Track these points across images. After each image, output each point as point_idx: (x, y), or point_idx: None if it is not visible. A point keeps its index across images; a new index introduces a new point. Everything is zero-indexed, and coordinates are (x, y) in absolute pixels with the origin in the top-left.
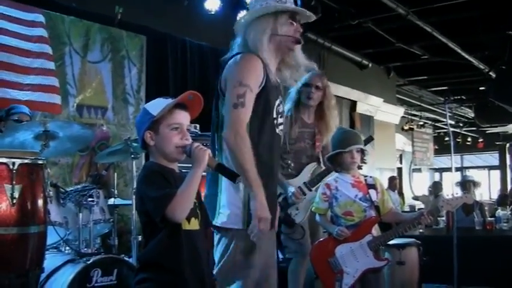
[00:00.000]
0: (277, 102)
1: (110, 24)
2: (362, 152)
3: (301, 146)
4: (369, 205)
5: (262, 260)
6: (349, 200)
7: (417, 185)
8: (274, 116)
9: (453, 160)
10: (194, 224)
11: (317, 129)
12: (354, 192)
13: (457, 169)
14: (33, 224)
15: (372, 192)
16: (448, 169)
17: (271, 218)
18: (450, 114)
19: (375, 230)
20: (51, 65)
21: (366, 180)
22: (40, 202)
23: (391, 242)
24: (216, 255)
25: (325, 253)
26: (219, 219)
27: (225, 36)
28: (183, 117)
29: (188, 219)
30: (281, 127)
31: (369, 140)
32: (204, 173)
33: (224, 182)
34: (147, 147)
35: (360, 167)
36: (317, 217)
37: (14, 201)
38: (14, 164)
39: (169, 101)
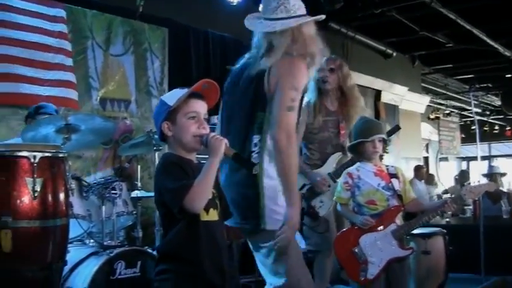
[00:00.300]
0: None
1: (132, 17)
2: (384, 141)
3: (325, 135)
4: (392, 194)
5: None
6: (372, 188)
7: (444, 174)
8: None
9: (479, 149)
10: (213, 215)
11: (341, 116)
12: (377, 180)
13: (485, 158)
14: (55, 217)
15: (395, 181)
16: (475, 158)
17: None
18: (476, 102)
19: (398, 220)
20: (69, 61)
21: (387, 169)
22: (62, 195)
23: (416, 232)
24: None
25: (349, 243)
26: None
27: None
28: (199, 106)
29: (207, 210)
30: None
31: (396, 129)
32: None
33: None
34: (165, 139)
35: (381, 157)
36: (338, 207)
37: (36, 194)
38: (35, 157)
39: (185, 90)
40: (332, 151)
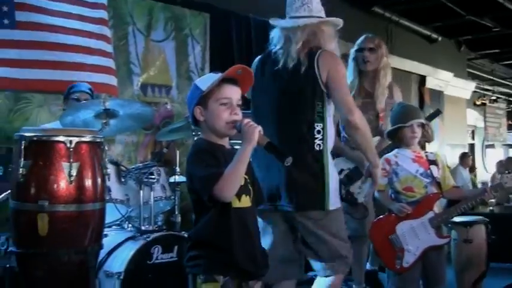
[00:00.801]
0: None
1: (173, 3)
2: (423, 126)
3: (365, 117)
4: (430, 181)
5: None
6: (410, 175)
7: (491, 161)
8: None
9: None
10: (245, 202)
11: (375, 98)
12: (415, 167)
13: None
14: (91, 201)
15: (434, 168)
16: None
17: None
18: None
19: (437, 207)
20: (109, 48)
21: (426, 156)
22: (98, 180)
23: (458, 220)
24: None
25: (386, 230)
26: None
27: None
28: (232, 92)
29: (239, 196)
30: None
31: (437, 113)
32: None
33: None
34: (197, 123)
35: (427, 142)
36: (376, 193)
37: (72, 178)
38: (71, 142)
39: (219, 75)
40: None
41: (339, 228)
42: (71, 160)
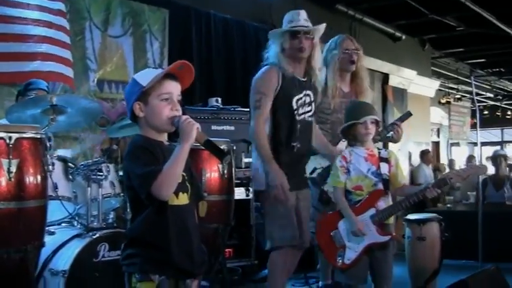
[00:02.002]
0: (300, 95)
1: None
2: (377, 123)
3: (339, 116)
4: (380, 179)
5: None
6: (361, 174)
7: (456, 159)
8: (295, 107)
9: (478, 135)
10: (183, 199)
11: (355, 97)
12: (367, 166)
13: (497, 143)
14: (31, 198)
15: (383, 165)
16: (489, 143)
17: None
18: (488, 87)
19: (385, 204)
20: (68, 39)
21: (379, 153)
22: (38, 176)
23: (411, 218)
24: None
25: (329, 227)
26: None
27: (250, 8)
28: (173, 87)
29: (176, 193)
30: (306, 114)
31: (407, 115)
32: None
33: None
34: (136, 119)
35: (392, 142)
36: (335, 192)
37: (11, 175)
38: (10, 138)
39: (160, 71)
40: None
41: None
42: (11, 157)
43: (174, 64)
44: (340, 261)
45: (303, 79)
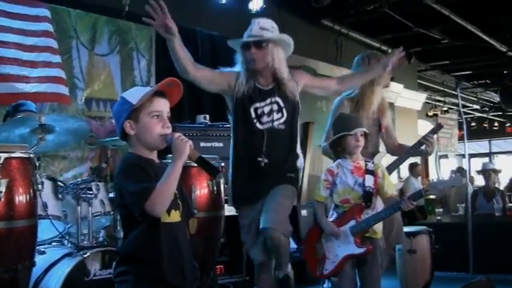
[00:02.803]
0: (261, 104)
1: (118, 17)
2: (365, 136)
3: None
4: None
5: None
6: (348, 187)
7: (444, 172)
8: (253, 115)
9: (466, 146)
10: (174, 216)
11: (380, 114)
12: (354, 179)
13: (485, 154)
14: (21, 217)
15: (368, 177)
16: (477, 155)
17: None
18: (474, 99)
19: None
20: (56, 59)
21: (366, 165)
22: (28, 196)
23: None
24: None
25: (313, 237)
26: None
27: (236, 25)
28: (162, 105)
29: (168, 211)
30: (275, 122)
31: (438, 127)
32: None
33: None
34: (126, 138)
35: (427, 155)
36: (315, 206)
37: (0, 195)
38: None
39: (148, 88)
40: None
41: None
42: (0, 176)
43: (163, 82)
44: (320, 271)
45: (267, 87)
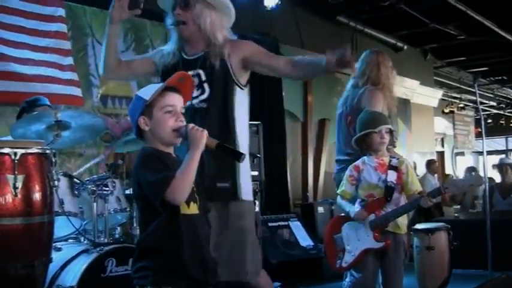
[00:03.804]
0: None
1: None
2: (391, 133)
3: None
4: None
5: None
6: (372, 183)
7: (461, 169)
8: None
9: (484, 143)
10: (193, 208)
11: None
12: (378, 175)
13: (502, 151)
14: (38, 214)
15: (391, 173)
16: (494, 152)
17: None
18: (491, 95)
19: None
20: (68, 60)
21: (390, 161)
22: (45, 192)
23: (420, 227)
24: None
25: (334, 230)
26: None
27: (252, 21)
28: (175, 100)
29: (187, 203)
30: (195, 100)
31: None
32: None
33: None
34: (142, 134)
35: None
36: (338, 200)
37: (17, 191)
38: (16, 154)
39: (161, 84)
40: None
41: None
42: (16, 172)
43: (174, 76)
44: (339, 264)
45: (192, 57)
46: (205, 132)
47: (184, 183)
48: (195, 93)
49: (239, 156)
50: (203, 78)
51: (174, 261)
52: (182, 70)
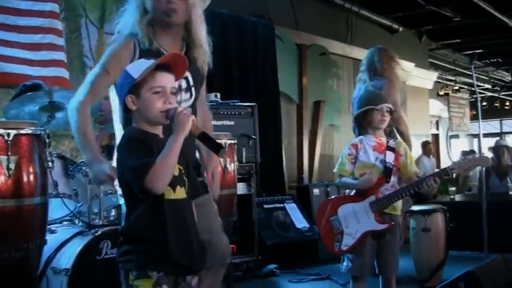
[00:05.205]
0: None
1: None
2: (391, 112)
3: None
4: (383, 167)
5: None
6: (369, 162)
7: (455, 152)
8: None
9: (480, 126)
10: (180, 193)
11: None
12: (375, 155)
13: (497, 134)
14: (31, 195)
15: (389, 154)
16: (488, 135)
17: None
18: (485, 77)
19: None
20: (60, 41)
21: (387, 142)
22: (38, 173)
23: (416, 209)
24: None
25: (328, 212)
26: None
27: (247, 3)
28: (166, 80)
29: (173, 187)
30: (182, 105)
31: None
32: None
33: None
34: (129, 112)
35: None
36: (338, 179)
37: (10, 172)
38: (9, 135)
39: (151, 62)
40: None
41: None
42: (9, 153)
43: (167, 55)
44: (338, 247)
45: None
46: (192, 118)
47: (164, 171)
48: (184, 96)
49: (219, 148)
50: (191, 82)
51: (159, 248)
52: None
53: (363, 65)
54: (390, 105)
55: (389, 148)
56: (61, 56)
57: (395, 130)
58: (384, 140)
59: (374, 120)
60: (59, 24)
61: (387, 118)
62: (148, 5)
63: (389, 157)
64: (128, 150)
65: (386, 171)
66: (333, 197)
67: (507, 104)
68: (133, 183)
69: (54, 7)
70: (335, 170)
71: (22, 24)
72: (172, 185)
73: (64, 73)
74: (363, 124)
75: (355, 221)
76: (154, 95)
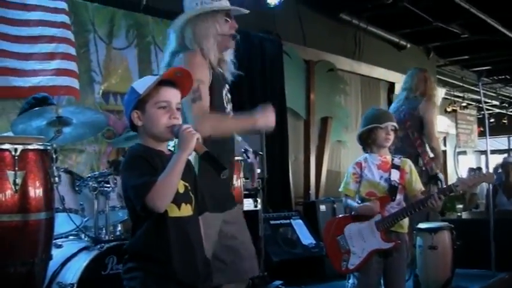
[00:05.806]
0: (224, 91)
1: (135, 10)
2: (395, 131)
3: None
4: (389, 185)
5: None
6: (374, 181)
7: (463, 168)
8: (225, 104)
9: (488, 143)
10: (185, 210)
11: None
12: (380, 173)
13: (505, 151)
14: (37, 210)
15: (394, 172)
16: (496, 151)
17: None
18: (493, 94)
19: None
20: (73, 51)
21: (392, 160)
22: (45, 188)
23: (422, 226)
24: None
25: (335, 231)
26: None
27: (255, 19)
28: (171, 95)
29: (178, 205)
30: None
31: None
32: None
33: None
34: (135, 128)
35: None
36: (344, 199)
37: (17, 187)
38: (16, 150)
39: (157, 77)
40: None
41: None
42: (16, 168)
43: (171, 70)
44: (345, 266)
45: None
46: (197, 136)
47: (165, 189)
48: (229, 106)
49: (221, 170)
50: (229, 95)
51: (163, 266)
52: (223, 83)
53: (404, 83)
54: (395, 124)
55: (394, 166)
56: (73, 66)
57: (427, 146)
58: (389, 158)
59: (378, 138)
60: (71, 35)
61: (391, 136)
62: (220, 28)
63: (395, 175)
64: (131, 168)
65: (392, 190)
66: (340, 216)
67: None
68: (135, 201)
69: (66, 18)
70: (340, 190)
71: (36, 34)
72: (177, 202)
73: (76, 84)
74: (367, 142)
75: (362, 240)
76: (159, 110)
